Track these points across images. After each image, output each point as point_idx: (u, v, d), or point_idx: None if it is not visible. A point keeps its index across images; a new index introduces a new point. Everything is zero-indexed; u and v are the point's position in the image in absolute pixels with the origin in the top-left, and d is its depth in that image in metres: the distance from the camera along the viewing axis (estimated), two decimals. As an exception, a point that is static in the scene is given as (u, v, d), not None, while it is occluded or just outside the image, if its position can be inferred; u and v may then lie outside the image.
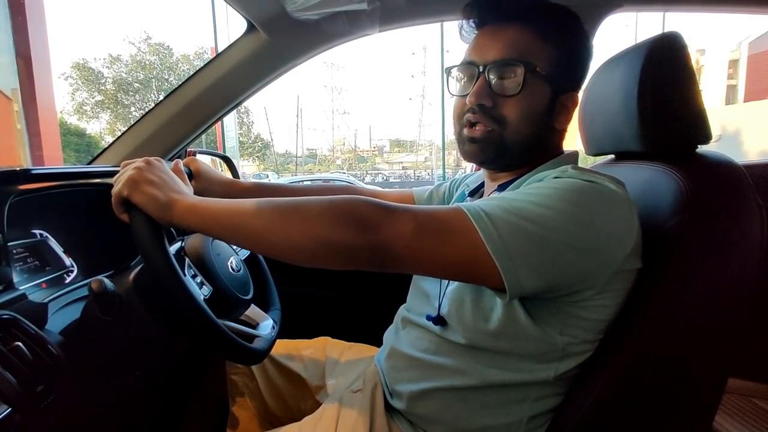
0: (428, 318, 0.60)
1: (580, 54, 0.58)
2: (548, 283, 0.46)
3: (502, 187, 0.61)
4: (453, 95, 0.60)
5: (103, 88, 18.13)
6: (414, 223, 0.44)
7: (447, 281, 0.63)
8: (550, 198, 0.46)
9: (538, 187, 0.48)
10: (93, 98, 18.06)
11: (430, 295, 0.65)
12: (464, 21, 0.60)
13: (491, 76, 0.54)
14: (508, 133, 0.55)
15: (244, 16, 0.97)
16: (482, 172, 0.68)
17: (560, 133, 0.60)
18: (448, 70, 0.60)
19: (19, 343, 0.46)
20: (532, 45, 0.54)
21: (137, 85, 18.66)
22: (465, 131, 0.58)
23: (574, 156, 0.62)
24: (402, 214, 0.45)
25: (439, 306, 0.60)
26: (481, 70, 0.55)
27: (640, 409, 0.53)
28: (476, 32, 0.59)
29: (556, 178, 0.50)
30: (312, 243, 0.45)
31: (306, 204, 0.47)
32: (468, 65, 0.57)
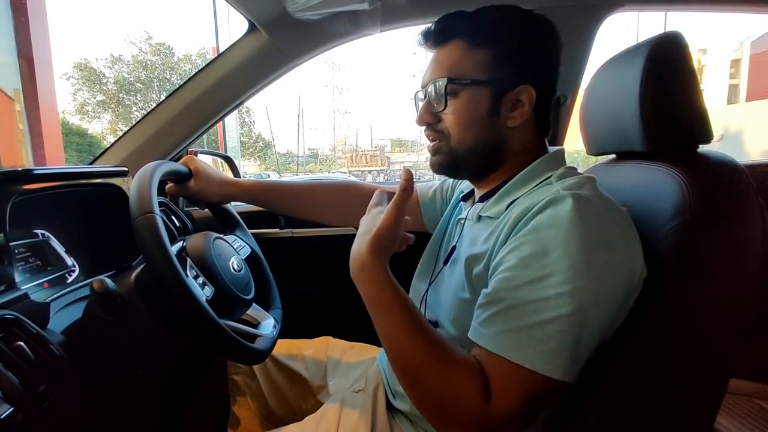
0: None
1: (526, 45, 0.55)
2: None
3: (483, 198, 0.60)
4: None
5: (104, 88, 18.11)
6: (519, 404, 0.42)
7: (428, 285, 0.65)
8: (566, 278, 0.43)
9: (543, 250, 0.45)
10: (95, 98, 18.05)
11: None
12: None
13: (429, 96, 0.58)
14: (453, 143, 0.58)
15: (245, 17, 0.97)
16: None
17: (520, 130, 0.57)
18: (414, 96, 0.65)
19: (21, 343, 0.46)
20: (460, 57, 0.55)
21: (139, 85, 18.65)
22: (429, 146, 0.62)
23: (560, 155, 0.59)
24: (502, 399, 0.42)
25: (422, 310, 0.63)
26: (424, 93, 0.60)
27: (641, 410, 0.53)
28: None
29: (548, 208, 0.47)
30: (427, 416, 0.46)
31: (420, 374, 0.45)
32: (421, 89, 0.62)
